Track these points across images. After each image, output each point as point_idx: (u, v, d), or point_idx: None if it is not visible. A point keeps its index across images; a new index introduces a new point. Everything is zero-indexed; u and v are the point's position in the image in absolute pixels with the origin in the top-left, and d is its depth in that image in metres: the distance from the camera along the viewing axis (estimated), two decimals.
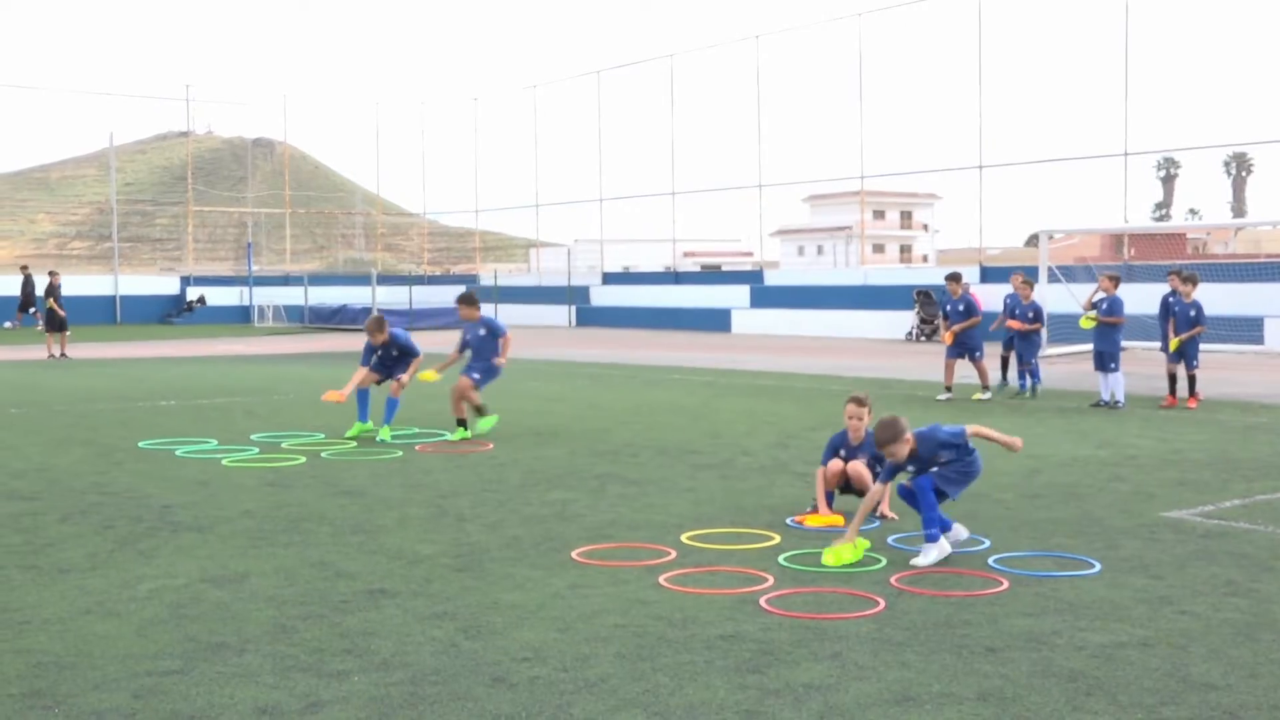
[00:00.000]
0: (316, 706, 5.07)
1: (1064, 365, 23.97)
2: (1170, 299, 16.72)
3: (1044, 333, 18.77)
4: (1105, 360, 16.21)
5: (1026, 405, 16.76)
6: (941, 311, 18.39)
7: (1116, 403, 16.11)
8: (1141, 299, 22.97)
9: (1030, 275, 21.24)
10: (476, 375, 13.92)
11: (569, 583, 7.07)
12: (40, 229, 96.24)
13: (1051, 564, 7.49)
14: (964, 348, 17.59)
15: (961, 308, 17.66)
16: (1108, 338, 16.30)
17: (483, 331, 14.37)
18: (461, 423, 13.69)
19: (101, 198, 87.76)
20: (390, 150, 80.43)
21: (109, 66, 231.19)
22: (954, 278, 18.07)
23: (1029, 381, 17.78)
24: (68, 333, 29.32)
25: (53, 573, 7.41)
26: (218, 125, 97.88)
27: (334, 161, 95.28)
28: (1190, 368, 16.22)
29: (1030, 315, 17.86)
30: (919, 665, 5.54)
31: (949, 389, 17.67)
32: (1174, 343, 16.23)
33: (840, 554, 7.45)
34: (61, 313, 28.98)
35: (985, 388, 17.59)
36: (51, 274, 30.58)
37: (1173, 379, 16.34)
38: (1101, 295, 16.69)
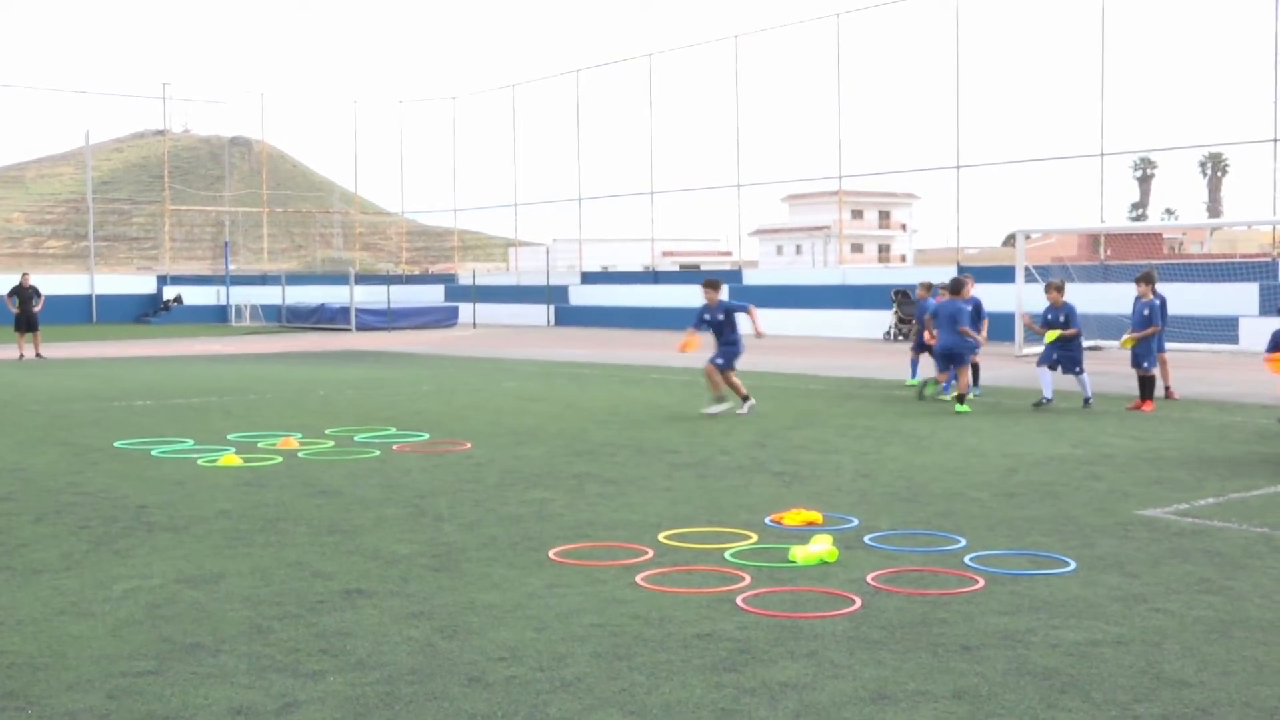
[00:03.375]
0: (292, 707, 5.05)
1: None
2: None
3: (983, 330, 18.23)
4: (1070, 365, 16.22)
5: (1004, 404, 16.81)
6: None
7: (1086, 400, 16.17)
8: (1116, 299, 23.11)
9: (1004, 275, 21.28)
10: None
11: (546, 582, 7.07)
12: (15, 227, 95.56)
13: (1027, 562, 7.52)
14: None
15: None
16: (1068, 344, 16.29)
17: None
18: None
19: (77, 196, 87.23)
20: (368, 149, 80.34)
21: (85, 64, 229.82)
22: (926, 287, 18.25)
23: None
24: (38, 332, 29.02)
25: (26, 573, 7.37)
26: (195, 123, 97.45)
27: (312, 160, 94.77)
28: (1141, 368, 16.16)
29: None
30: (894, 664, 5.56)
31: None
32: (1125, 340, 16.32)
33: (810, 552, 7.48)
34: (32, 311, 28.65)
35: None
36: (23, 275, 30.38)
37: (1140, 381, 16.35)
38: (1049, 306, 16.55)
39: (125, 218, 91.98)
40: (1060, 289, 16.46)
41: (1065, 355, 16.23)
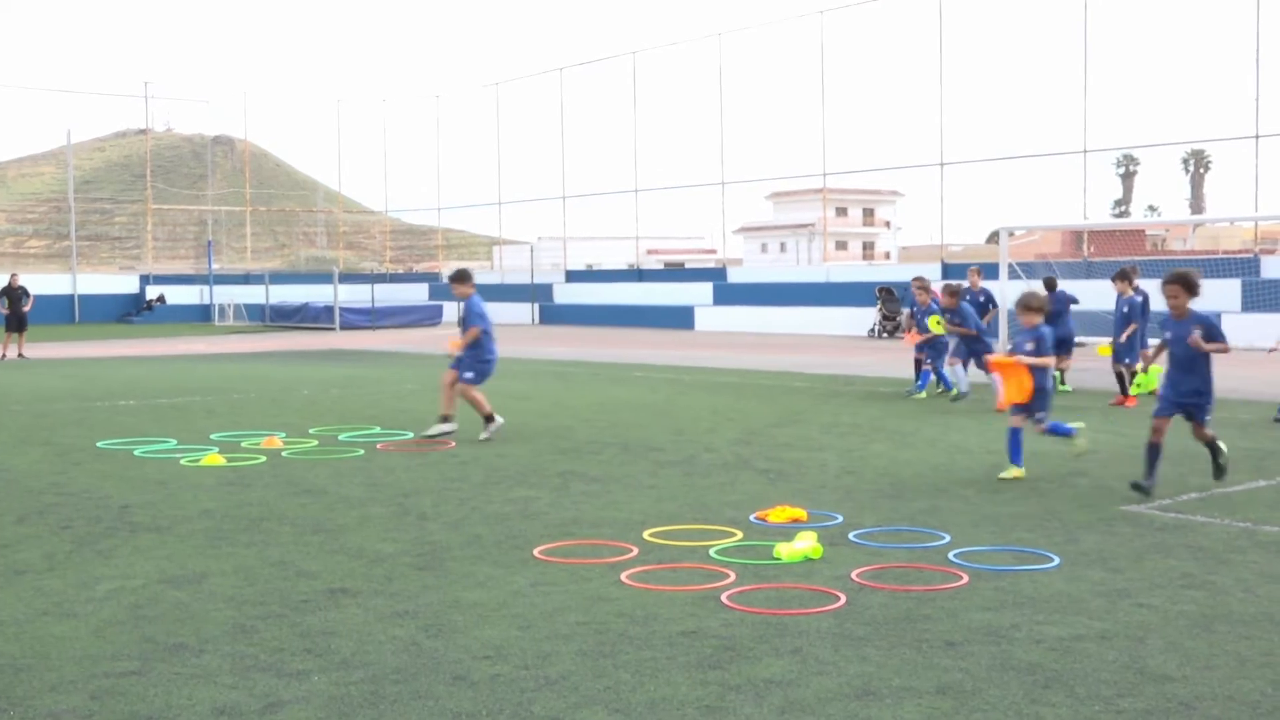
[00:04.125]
0: (276, 706, 5.04)
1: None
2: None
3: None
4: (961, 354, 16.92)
5: (987, 401, 16.83)
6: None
7: (961, 394, 16.74)
8: (1100, 296, 23.19)
9: (989, 271, 21.62)
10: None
11: (531, 580, 7.06)
12: None
13: (1011, 558, 7.54)
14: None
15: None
16: (962, 341, 16.87)
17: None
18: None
19: (59, 195, 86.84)
20: (352, 147, 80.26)
21: (66, 62, 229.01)
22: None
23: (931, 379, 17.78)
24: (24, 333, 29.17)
25: (9, 574, 7.33)
26: (177, 122, 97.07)
27: (295, 159, 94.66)
28: (1120, 363, 16.51)
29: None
30: (879, 660, 5.56)
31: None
32: (1101, 349, 16.90)
33: (795, 549, 7.49)
34: (22, 311, 28.86)
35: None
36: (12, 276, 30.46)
37: (1118, 376, 16.68)
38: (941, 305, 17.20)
39: (107, 217, 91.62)
40: (954, 293, 17.23)
41: (962, 352, 16.98)
